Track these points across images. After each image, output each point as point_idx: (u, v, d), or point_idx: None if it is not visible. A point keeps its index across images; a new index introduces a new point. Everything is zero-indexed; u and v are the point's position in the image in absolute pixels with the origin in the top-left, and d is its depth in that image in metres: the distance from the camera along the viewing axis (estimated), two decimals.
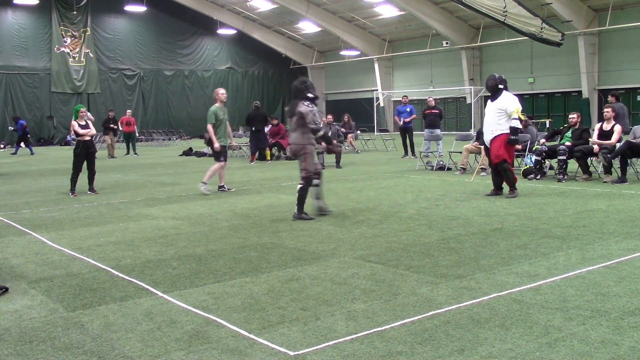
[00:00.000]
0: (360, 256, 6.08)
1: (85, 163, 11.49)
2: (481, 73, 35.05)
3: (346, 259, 5.97)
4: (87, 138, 11.45)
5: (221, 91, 11.54)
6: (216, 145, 11.14)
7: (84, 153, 11.41)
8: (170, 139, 33.54)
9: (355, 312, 4.39)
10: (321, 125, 8.52)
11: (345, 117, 23.03)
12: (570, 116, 12.17)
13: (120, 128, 24.11)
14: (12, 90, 34.12)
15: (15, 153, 26.27)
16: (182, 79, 40.13)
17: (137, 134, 26.19)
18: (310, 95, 8.33)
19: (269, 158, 18.72)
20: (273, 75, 44.34)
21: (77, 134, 11.40)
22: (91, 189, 11.63)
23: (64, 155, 21.64)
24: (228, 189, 11.57)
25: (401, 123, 19.07)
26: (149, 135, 34.36)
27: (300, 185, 8.32)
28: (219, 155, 11.32)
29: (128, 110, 26.94)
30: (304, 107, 8.22)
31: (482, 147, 13.32)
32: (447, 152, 15.18)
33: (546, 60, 30.96)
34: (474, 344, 3.74)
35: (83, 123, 11.47)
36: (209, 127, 11.21)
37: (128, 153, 23.86)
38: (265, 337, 3.94)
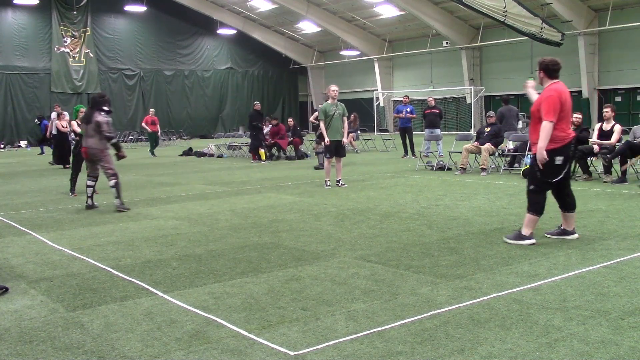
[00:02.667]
0: (360, 256, 6.08)
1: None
2: (481, 73, 35.05)
3: (346, 259, 5.97)
4: None
5: (332, 88, 11.64)
6: (327, 139, 11.42)
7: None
8: (170, 139, 33.54)
9: (355, 312, 4.39)
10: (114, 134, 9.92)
11: (352, 115, 22.71)
12: (575, 116, 11.90)
13: (147, 128, 23.39)
14: (12, 90, 34.07)
15: (42, 152, 26.44)
16: (182, 79, 40.10)
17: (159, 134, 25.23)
18: (106, 108, 9.66)
19: (263, 158, 18.70)
20: (273, 75, 44.34)
21: (76, 134, 11.45)
22: None
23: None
24: (341, 185, 11.80)
25: (403, 115, 18.97)
26: None
27: (114, 181, 9.46)
28: (325, 152, 11.82)
29: (151, 110, 26.12)
30: (100, 117, 9.47)
31: (482, 147, 13.39)
32: (447, 152, 15.17)
33: None
34: (474, 344, 3.74)
35: None
36: (321, 123, 11.57)
37: (153, 154, 22.69)
38: (265, 337, 3.94)
